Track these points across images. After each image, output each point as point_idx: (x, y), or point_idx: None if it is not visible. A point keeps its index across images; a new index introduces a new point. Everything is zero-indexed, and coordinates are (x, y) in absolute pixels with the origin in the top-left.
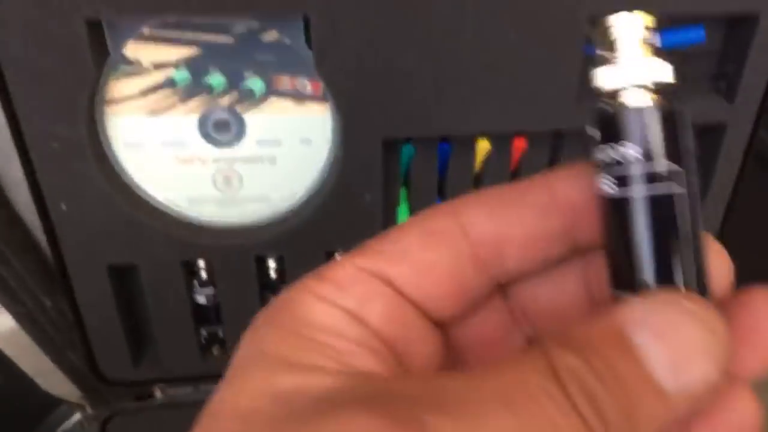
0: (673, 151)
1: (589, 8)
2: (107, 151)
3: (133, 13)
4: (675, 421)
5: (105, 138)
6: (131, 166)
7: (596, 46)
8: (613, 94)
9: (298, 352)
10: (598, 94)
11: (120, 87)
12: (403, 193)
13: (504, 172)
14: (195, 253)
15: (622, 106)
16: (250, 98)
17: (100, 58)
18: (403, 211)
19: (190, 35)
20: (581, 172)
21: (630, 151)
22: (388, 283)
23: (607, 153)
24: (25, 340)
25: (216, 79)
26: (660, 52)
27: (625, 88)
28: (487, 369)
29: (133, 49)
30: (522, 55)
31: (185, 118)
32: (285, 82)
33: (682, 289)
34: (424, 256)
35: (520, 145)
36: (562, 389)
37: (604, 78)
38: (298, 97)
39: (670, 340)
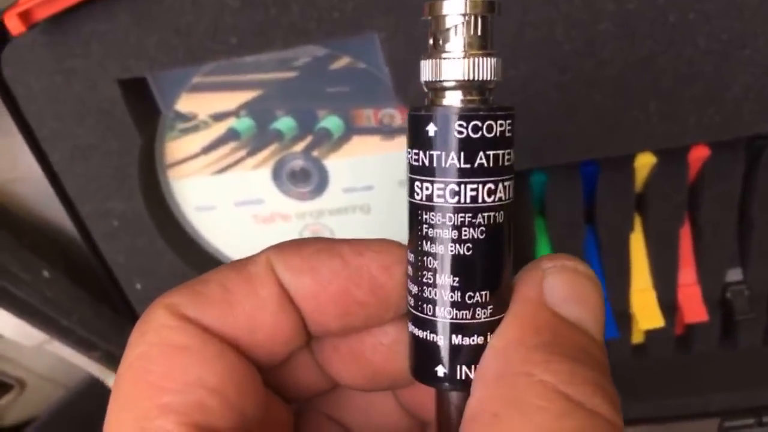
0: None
1: None
2: (179, 218)
3: (168, 66)
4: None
5: (174, 204)
6: (207, 231)
7: (428, 31)
8: (428, 96)
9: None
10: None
11: (179, 147)
12: (539, 224)
13: (679, 189)
14: None
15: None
16: (328, 141)
17: (145, 120)
18: (542, 245)
19: (247, 76)
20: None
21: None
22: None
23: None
24: None
25: (285, 123)
26: (489, 44)
27: (437, 88)
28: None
29: (186, 103)
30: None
31: (257, 173)
32: (367, 116)
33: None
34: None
35: (700, 154)
36: (565, 398)
37: (423, 70)
38: (386, 131)
39: (588, 304)
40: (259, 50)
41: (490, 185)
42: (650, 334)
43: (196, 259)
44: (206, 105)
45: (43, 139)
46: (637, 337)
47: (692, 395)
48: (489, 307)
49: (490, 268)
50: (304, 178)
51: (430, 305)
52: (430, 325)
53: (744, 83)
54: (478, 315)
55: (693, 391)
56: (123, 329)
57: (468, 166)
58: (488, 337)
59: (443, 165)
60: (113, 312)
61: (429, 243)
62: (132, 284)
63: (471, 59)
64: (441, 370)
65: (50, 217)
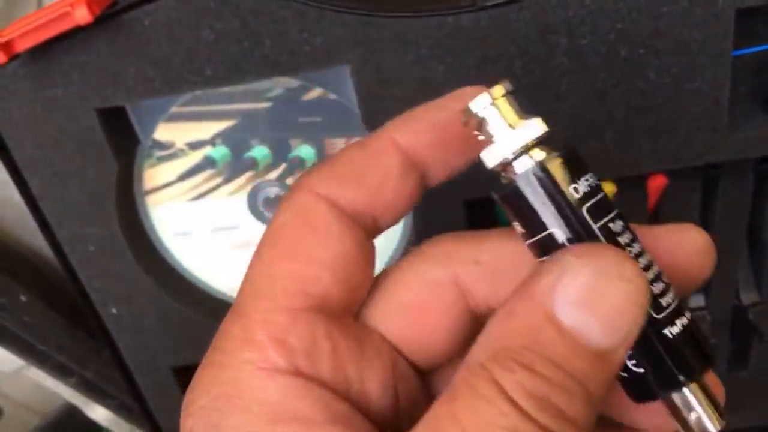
0: (538, 218)
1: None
2: (156, 244)
3: (145, 96)
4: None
5: (151, 230)
6: (183, 257)
7: (474, 131)
8: (503, 178)
9: None
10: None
11: (157, 174)
12: None
13: (639, 216)
14: None
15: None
16: (301, 169)
17: (123, 148)
18: None
19: (222, 107)
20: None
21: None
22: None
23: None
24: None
25: (259, 151)
26: (521, 109)
27: (504, 166)
28: (440, 414)
29: (164, 132)
30: (645, 78)
31: (232, 199)
32: (338, 145)
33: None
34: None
35: (658, 183)
36: (521, 414)
37: (484, 162)
38: None
39: (598, 308)
40: (233, 81)
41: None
42: None
43: (172, 284)
44: (183, 134)
45: (23, 166)
46: None
47: None
48: None
49: None
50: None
51: None
52: None
53: (694, 114)
54: None
55: None
56: (99, 354)
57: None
58: None
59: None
60: (89, 337)
61: None
62: (108, 309)
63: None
64: None
65: (28, 241)
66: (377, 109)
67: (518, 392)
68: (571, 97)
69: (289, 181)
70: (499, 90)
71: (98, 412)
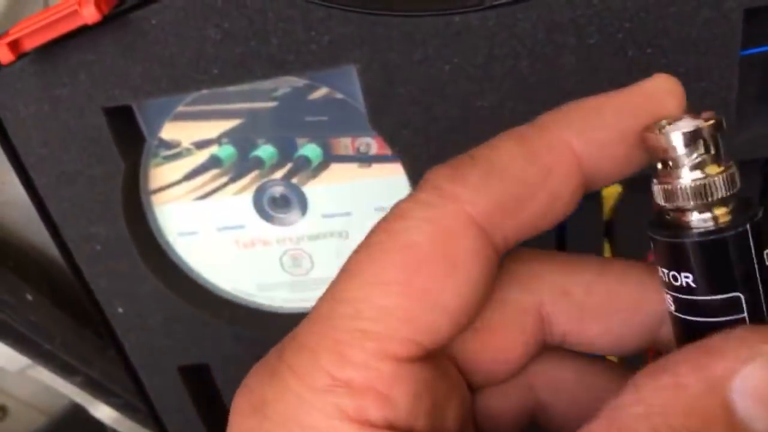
0: (729, 278)
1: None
2: (162, 243)
3: (152, 95)
4: None
5: (157, 229)
6: (189, 256)
7: (651, 156)
8: (668, 215)
9: None
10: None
11: (163, 173)
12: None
13: (646, 216)
14: (269, 345)
15: (671, 233)
16: (306, 168)
17: (130, 147)
18: None
19: (229, 106)
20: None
21: (683, 279)
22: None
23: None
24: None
25: (265, 151)
26: (723, 157)
27: (680, 210)
28: None
29: (170, 131)
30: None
31: (238, 199)
32: (344, 144)
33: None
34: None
35: None
36: None
37: (657, 195)
38: (363, 160)
39: None
40: (239, 81)
41: None
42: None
43: (178, 283)
44: (189, 133)
45: (30, 165)
46: None
47: None
48: None
49: None
50: (284, 204)
51: None
52: None
53: None
54: None
55: None
56: (105, 353)
57: None
58: None
59: None
60: (95, 336)
61: None
62: (114, 308)
63: (711, 179)
64: None
65: (35, 240)
66: (384, 109)
67: None
68: (578, 97)
69: (295, 180)
70: (708, 129)
71: (103, 412)
